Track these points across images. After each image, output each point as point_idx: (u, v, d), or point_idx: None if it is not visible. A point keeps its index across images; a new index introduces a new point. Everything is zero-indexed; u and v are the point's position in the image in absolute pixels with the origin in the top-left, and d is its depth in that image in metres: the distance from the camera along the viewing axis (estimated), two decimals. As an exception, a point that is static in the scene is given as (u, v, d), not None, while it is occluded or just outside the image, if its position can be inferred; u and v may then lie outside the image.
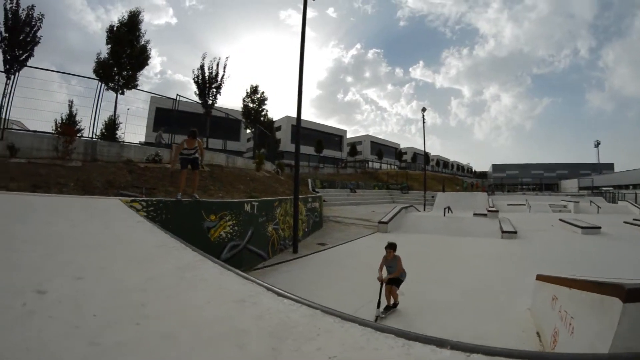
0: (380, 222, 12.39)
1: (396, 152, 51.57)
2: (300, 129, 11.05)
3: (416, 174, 39.00)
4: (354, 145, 44.70)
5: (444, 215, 14.29)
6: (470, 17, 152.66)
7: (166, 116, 24.06)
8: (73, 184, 7.44)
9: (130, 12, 12.29)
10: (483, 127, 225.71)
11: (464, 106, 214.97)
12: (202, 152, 7.27)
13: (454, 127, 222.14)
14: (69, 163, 8.79)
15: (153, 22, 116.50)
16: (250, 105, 18.93)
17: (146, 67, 12.79)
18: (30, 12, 10.35)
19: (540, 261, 7.17)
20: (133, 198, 6.38)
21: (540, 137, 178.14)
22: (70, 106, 16.19)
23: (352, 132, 65.46)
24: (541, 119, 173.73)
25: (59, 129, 10.52)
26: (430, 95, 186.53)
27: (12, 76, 10.08)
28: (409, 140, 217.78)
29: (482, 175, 67.48)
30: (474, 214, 14.47)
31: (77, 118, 16.23)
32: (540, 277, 3.96)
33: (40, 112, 11.07)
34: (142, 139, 18.76)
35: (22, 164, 8.36)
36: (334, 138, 41.51)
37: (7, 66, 10.13)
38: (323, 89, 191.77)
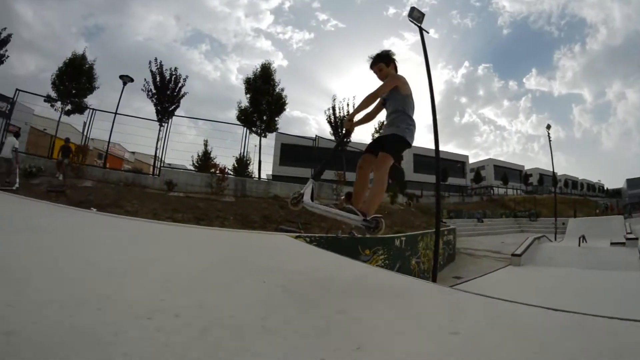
0: (513, 255, 11.26)
1: (521, 175, 45.63)
2: (439, 161, 10.41)
3: (543, 199, 34.81)
4: (477, 171, 41.94)
5: (579, 245, 13.19)
6: (572, 7, 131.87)
7: (291, 151, 26.63)
8: (232, 217, 8.26)
9: (262, 65, 14.07)
10: (611, 134, 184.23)
11: (587, 112, 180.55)
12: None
13: (579, 139, 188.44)
14: (223, 198, 9.96)
15: None
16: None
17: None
18: (174, 73, 12.63)
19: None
20: (298, 234, 6.69)
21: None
22: (206, 145, 18.63)
23: (472, 156, 61.33)
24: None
25: (212, 169, 12.03)
26: (549, 105, 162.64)
27: (165, 124, 12.45)
28: (532, 160, 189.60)
29: (616, 193, 53.26)
30: (611, 243, 13.01)
31: (212, 155, 18.66)
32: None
33: (177, 151, 13.00)
34: (270, 173, 20.62)
35: (181, 198, 9.77)
36: (455, 165, 39.24)
37: (159, 116, 12.46)
38: (438, 113, 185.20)
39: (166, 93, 12.51)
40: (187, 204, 8.90)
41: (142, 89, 12.53)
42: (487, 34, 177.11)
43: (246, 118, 13.29)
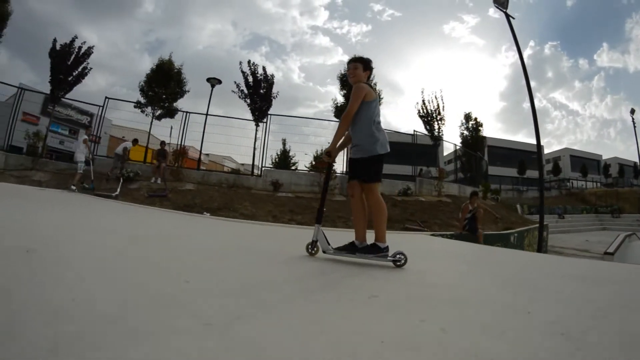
0: (605, 253, 10.85)
1: (599, 166, 42.40)
2: (541, 156, 10.53)
3: (625, 193, 32.18)
4: (555, 162, 39.80)
5: None
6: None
7: None
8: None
9: None
10: None
11: None
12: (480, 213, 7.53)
13: None
14: (333, 197, 10.06)
15: (327, 63, 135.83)
16: (466, 132, 19.49)
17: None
18: (264, 72, 13.08)
19: None
20: (432, 233, 7.27)
21: None
22: (284, 143, 17.84)
23: (545, 146, 57.87)
24: None
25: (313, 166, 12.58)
26: (624, 83, 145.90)
27: (261, 123, 12.89)
28: (609, 148, 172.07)
29: None
30: None
31: (291, 154, 19.28)
32: None
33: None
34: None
35: (291, 198, 9.99)
36: (531, 156, 37.41)
37: (255, 116, 12.93)
38: (506, 99, 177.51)
39: (260, 93, 13.05)
40: (301, 205, 9.20)
41: (234, 91, 13.10)
42: (550, 7, 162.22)
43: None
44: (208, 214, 7.48)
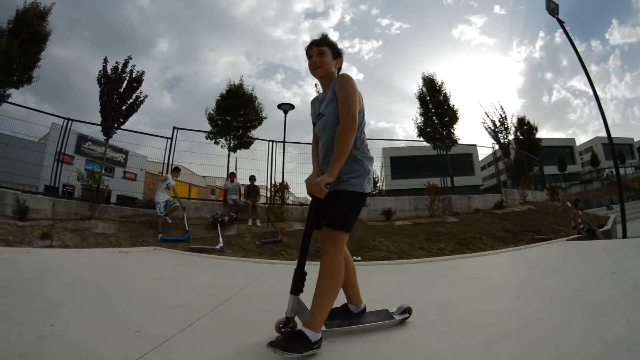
0: None
1: (632, 150, 44.36)
2: (613, 146, 12.41)
3: None
4: (593, 154, 41.59)
5: None
6: None
7: (400, 163, 29.09)
8: (484, 237, 9.09)
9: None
10: None
11: None
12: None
13: None
14: (446, 220, 11.22)
15: None
16: (521, 137, 21.22)
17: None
18: None
19: None
20: (567, 239, 8.88)
21: None
22: None
23: (570, 136, 59.81)
24: None
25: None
26: None
27: None
28: (636, 127, 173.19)
29: None
30: None
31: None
32: None
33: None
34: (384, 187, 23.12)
35: (412, 226, 10.25)
36: (563, 150, 39.80)
37: None
38: (525, 96, 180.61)
39: None
40: (430, 231, 9.48)
41: None
42: None
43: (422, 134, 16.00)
44: (359, 258, 6.87)
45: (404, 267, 4.52)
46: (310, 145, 2.02)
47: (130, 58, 11.96)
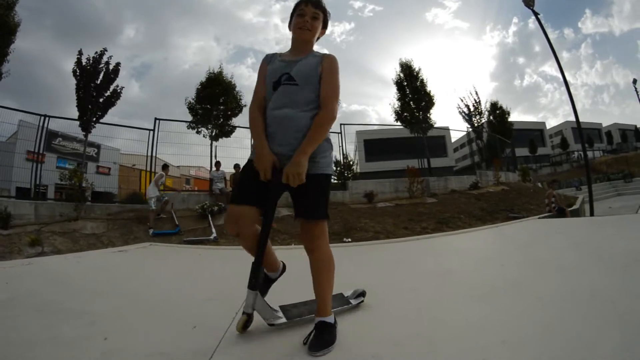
0: None
1: (600, 134, 47.22)
2: (581, 130, 13.40)
3: (633, 157, 36.23)
4: (563, 137, 43.95)
5: None
6: None
7: (374, 146, 29.47)
8: (463, 215, 9.82)
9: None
10: None
11: None
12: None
13: None
14: (426, 201, 11.91)
15: None
16: (491, 118, 22.23)
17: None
18: None
19: None
20: (539, 217, 9.73)
21: None
22: None
23: (541, 120, 62.50)
24: None
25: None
26: (611, 47, 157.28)
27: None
28: (605, 113, 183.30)
29: None
30: None
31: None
32: None
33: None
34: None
35: (394, 207, 10.77)
36: (534, 133, 41.61)
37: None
38: (497, 79, 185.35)
39: None
40: (411, 212, 10.03)
41: None
42: None
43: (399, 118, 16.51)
44: (350, 240, 7.11)
45: (394, 246, 4.78)
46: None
47: (106, 50, 11.79)
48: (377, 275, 2.85)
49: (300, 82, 1.54)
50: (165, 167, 9.82)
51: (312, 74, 1.55)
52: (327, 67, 1.56)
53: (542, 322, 1.49)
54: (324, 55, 1.61)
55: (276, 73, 1.58)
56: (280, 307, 1.73)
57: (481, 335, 1.45)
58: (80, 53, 11.39)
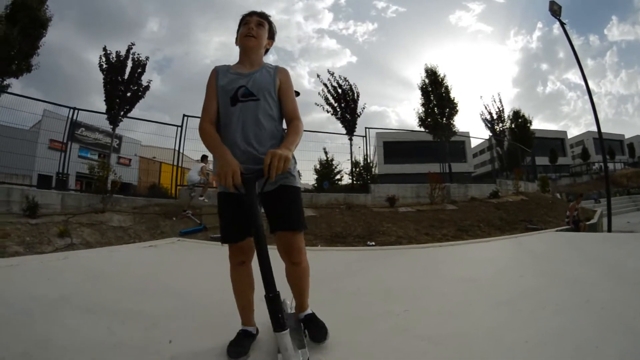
0: None
1: (622, 146, 46.40)
2: (603, 142, 13.42)
3: None
4: (584, 148, 43.53)
5: None
6: None
7: (393, 149, 29.47)
8: (482, 224, 10.00)
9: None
10: None
11: None
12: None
13: None
14: (446, 207, 12.09)
15: (336, 66, 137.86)
16: (513, 126, 22.29)
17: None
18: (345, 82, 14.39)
19: None
20: (556, 229, 9.84)
21: None
22: (326, 152, 17.85)
23: (562, 128, 61.62)
24: None
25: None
26: (638, 56, 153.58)
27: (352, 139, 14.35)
28: (628, 124, 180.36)
29: None
30: None
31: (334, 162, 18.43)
32: None
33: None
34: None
35: (415, 213, 10.95)
36: (555, 142, 41.21)
37: (348, 131, 14.31)
38: (519, 85, 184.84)
39: (349, 107, 14.26)
40: (432, 218, 10.20)
41: (317, 104, 14.40)
42: None
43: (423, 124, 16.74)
44: (374, 243, 7.36)
45: (419, 252, 4.98)
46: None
47: (133, 44, 12.08)
48: (409, 279, 3.17)
49: (260, 95, 1.53)
50: (204, 157, 10.30)
51: (270, 88, 1.57)
52: (285, 80, 1.62)
53: (558, 327, 1.80)
54: (278, 67, 1.64)
55: (231, 86, 1.54)
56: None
57: (508, 335, 1.76)
58: (105, 49, 11.74)
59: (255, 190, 1.35)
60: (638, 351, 1.51)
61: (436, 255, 4.51)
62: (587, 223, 11.77)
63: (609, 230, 12.67)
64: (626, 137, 49.87)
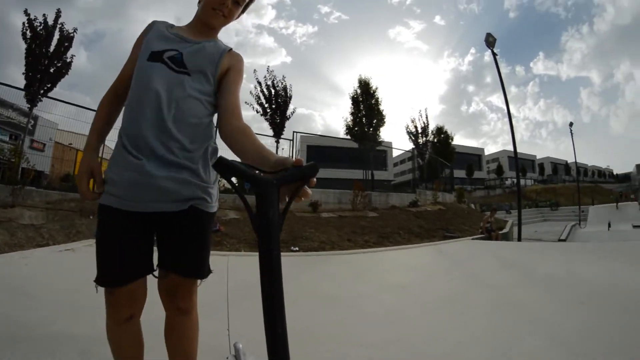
0: (559, 240, 15.49)
1: (533, 165, 53.72)
2: (517, 161, 15.31)
3: (560, 188, 41.32)
4: (499, 164, 47.95)
5: (608, 229, 17.46)
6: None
7: (317, 153, 29.88)
8: (402, 232, 10.13)
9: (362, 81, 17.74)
10: (620, 116, 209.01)
11: (595, 95, 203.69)
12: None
13: (587, 124, 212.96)
14: (368, 214, 12.30)
15: (270, 64, 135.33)
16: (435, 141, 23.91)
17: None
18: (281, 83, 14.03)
19: None
20: (472, 238, 10.85)
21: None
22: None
23: (480, 145, 68.38)
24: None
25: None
26: (556, 89, 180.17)
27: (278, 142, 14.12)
28: (540, 147, 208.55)
29: (625, 178, 64.04)
30: (633, 226, 17.58)
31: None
32: None
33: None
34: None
35: (337, 218, 11.03)
36: (472, 158, 45.34)
37: (275, 133, 13.99)
38: (445, 102, 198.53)
39: (280, 108, 14.01)
40: (354, 224, 10.27)
41: (247, 103, 13.66)
42: (494, 18, 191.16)
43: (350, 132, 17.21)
44: (297, 249, 6.99)
45: (344, 258, 4.98)
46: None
47: (60, 12, 10.53)
48: (340, 286, 3.20)
49: (193, 70, 1.09)
50: None
51: (209, 66, 1.12)
52: (238, 68, 1.18)
53: (486, 327, 1.99)
54: (231, 50, 1.21)
55: (160, 42, 1.11)
56: None
57: (443, 337, 1.88)
58: (27, 13, 9.98)
59: (278, 201, 0.71)
60: (554, 342, 1.72)
61: (362, 261, 4.66)
62: (500, 232, 13.04)
63: (519, 238, 14.06)
64: (537, 157, 57.62)
